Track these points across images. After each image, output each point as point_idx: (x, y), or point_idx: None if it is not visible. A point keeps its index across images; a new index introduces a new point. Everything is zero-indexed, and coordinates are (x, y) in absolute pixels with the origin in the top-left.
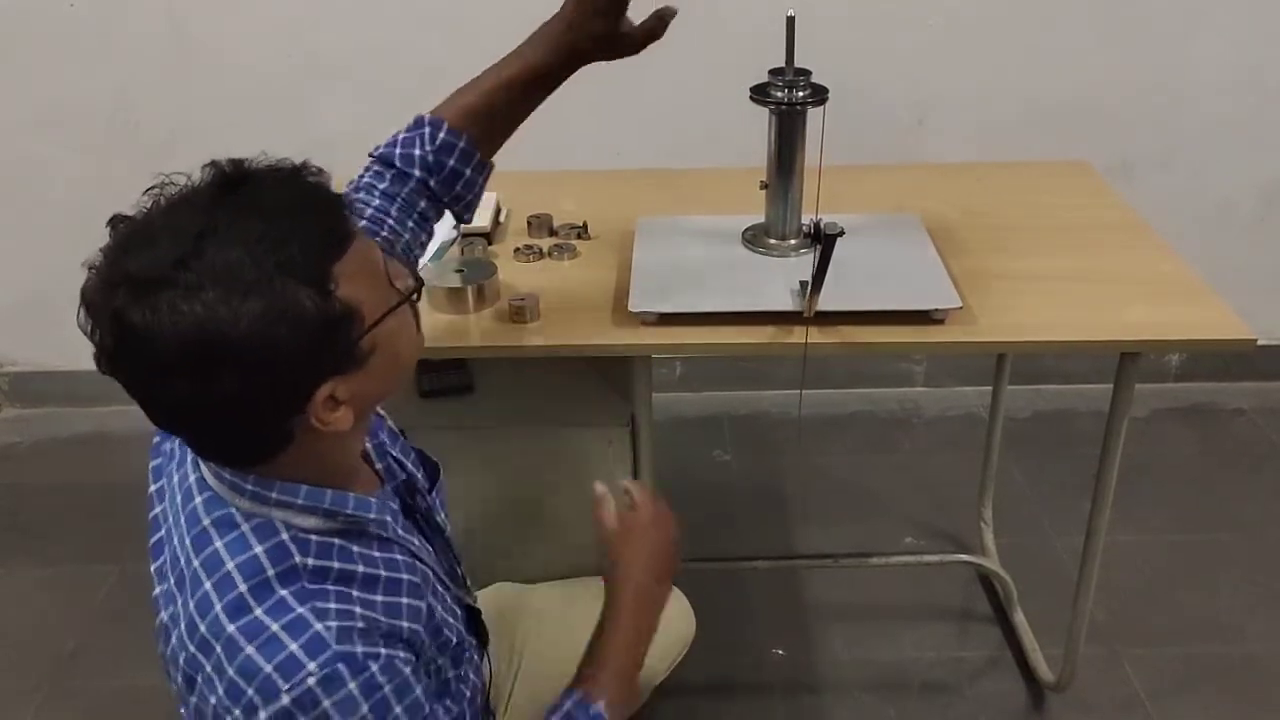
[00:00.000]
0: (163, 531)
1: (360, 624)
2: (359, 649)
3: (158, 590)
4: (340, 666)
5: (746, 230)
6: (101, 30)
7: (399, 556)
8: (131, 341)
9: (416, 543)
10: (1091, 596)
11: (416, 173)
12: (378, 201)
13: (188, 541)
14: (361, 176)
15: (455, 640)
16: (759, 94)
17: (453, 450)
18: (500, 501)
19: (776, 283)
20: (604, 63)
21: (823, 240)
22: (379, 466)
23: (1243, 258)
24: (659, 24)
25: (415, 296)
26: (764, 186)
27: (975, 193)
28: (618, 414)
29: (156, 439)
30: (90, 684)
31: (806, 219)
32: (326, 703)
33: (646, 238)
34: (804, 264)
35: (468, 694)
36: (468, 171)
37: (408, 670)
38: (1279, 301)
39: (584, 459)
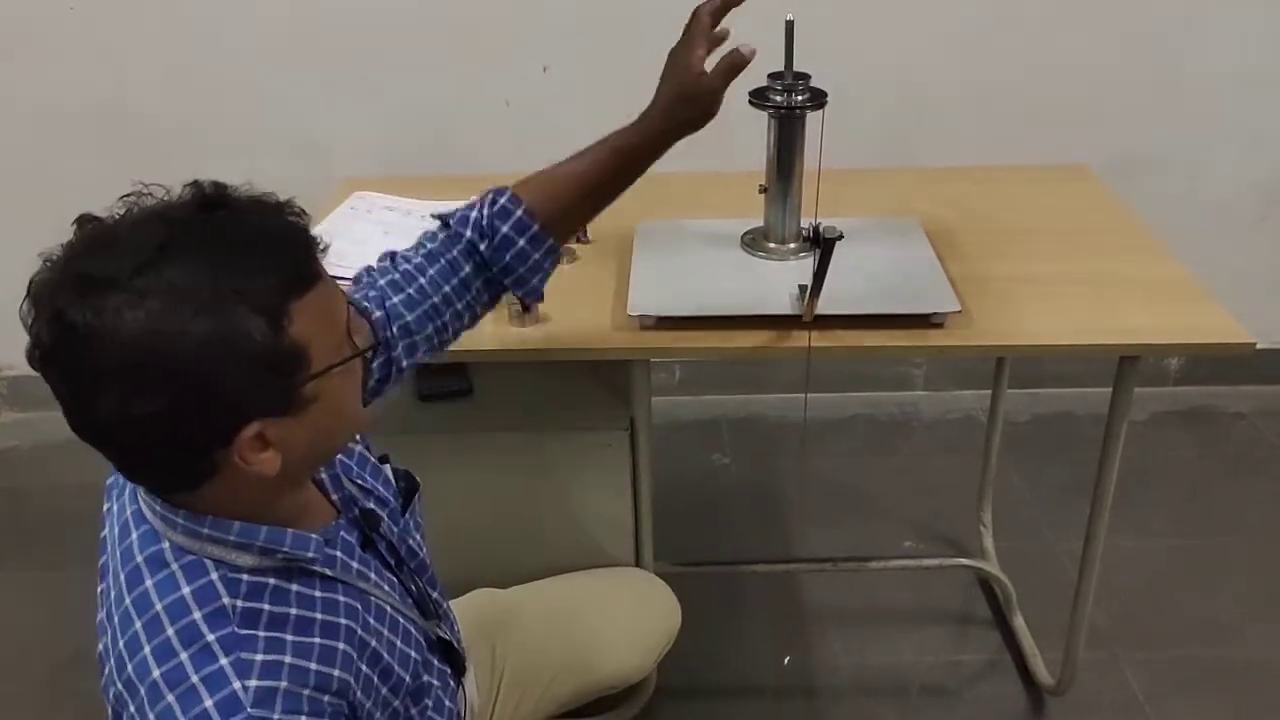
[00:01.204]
0: (106, 556)
1: (285, 683)
2: (276, 714)
3: (100, 615)
4: (240, 696)
5: (746, 234)
6: (101, 31)
7: (341, 598)
8: (69, 341)
9: (372, 578)
10: (1091, 600)
11: (468, 233)
12: (417, 260)
13: (122, 577)
14: (421, 236)
15: (410, 679)
16: (758, 98)
17: (451, 454)
18: (499, 505)
19: (776, 286)
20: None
21: (822, 244)
22: (334, 497)
23: (1241, 261)
24: (732, 71)
25: (370, 356)
26: (763, 190)
27: (974, 196)
28: (617, 417)
29: None
30: (90, 687)
31: (806, 223)
32: None
33: (646, 241)
34: (803, 267)
35: None
36: (521, 241)
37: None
38: (1278, 305)
39: (583, 462)
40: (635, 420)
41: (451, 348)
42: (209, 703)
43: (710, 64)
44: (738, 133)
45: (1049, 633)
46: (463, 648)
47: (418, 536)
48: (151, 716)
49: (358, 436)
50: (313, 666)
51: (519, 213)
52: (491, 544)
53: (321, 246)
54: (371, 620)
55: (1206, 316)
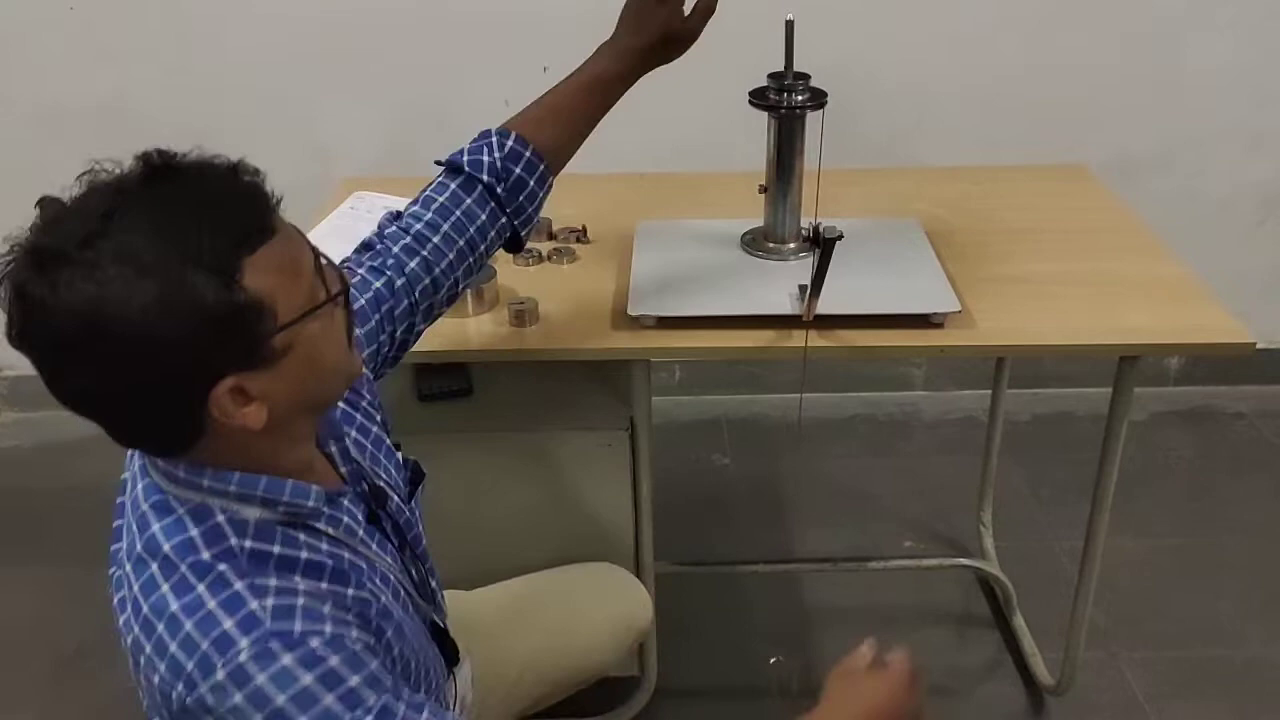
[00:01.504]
0: (122, 519)
1: (302, 601)
2: (297, 626)
3: (113, 571)
4: (273, 644)
5: (746, 234)
6: (101, 32)
7: (346, 555)
8: (32, 316)
9: (375, 548)
10: (1091, 600)
11: (484, 177)
12: (429, 216)
13: (134, 525)
14: (424, 190)
15: (409, 657)
16: (758, 98)
17: (451, 454)
18: (499, 504)
19: (776, 286)
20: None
21: (822, 244)
22: (343, 469)
23: (1241, 261)
24: (708, 13)
25: (341, 300)
26: (763, 190)
27: (974, 196)
28: (617, 418)
29: None
30: (91, 685)
31: (805, 223)
32: (261, 678)
33: (646, 241)
34: (803, 268)
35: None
36: (531, 182)
37: (358, 647)
38: (1278, 305)
39: (583, 462)
40: (635, 420)
41: (451, 348)
42: (228, 624)
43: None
44: (738, 133)
45: (1049, 633)
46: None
47: (420, 526)
48: (173, 647)
49: (378, 418)
50: (326, 585)
51: (528, 154)
52: (491, 544)
53: (274, 200)
54: (378, 583)
55: (1206, 316)
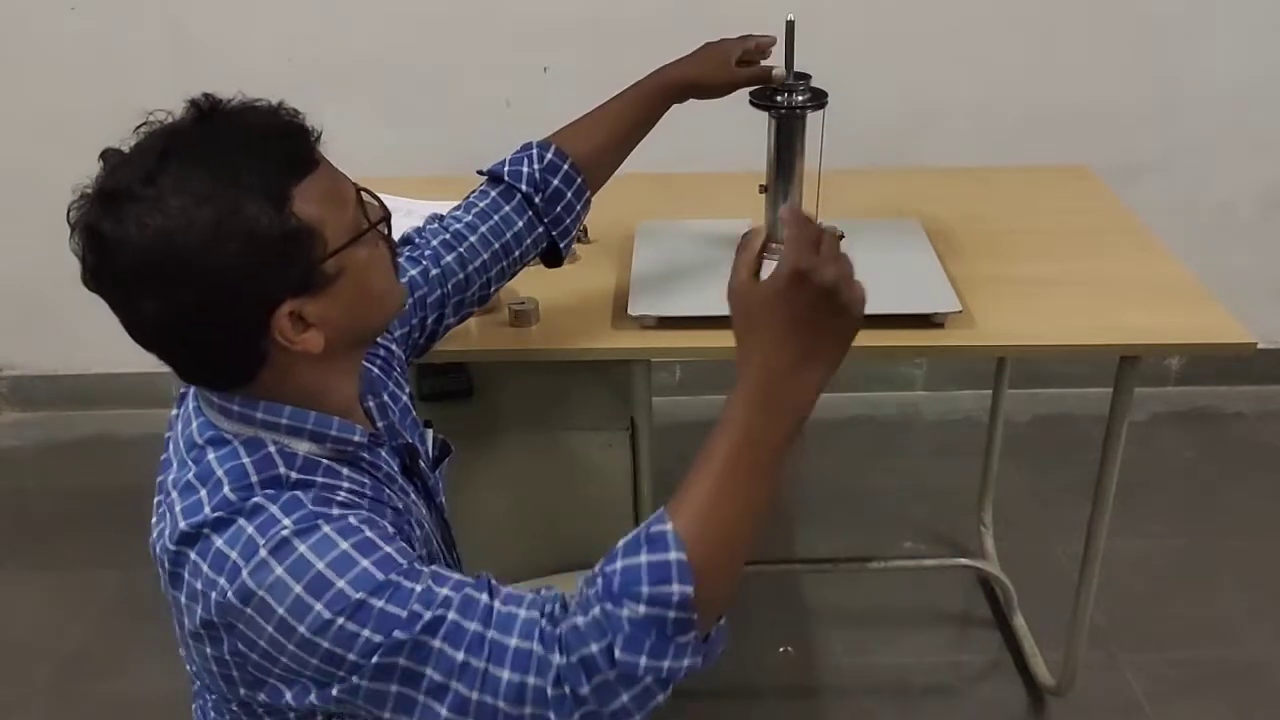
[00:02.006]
0: (168, 452)
1: (341, 496)
2: (335, 510)
3: (157, 499)
4: (316, 520)
5: (746, 234)
6: (102, 37)
7: (386, 490)
8: (102, 253)
9: (412, 496)
10: (1091, 600)
11: (523, 187)
12: (469, 218)
13: (188, 458)
14: (467, 196)
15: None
16: (759, 98)
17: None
18: (499, 504)
19: None
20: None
21: None
22: (380, 424)
23: (1242, 262)
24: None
25: (385, 229)
26: (764, 190)
27: (975, 197)
28: (617, 418)
29: (181, 391)
30: (92, 687)
31: None
32: (302, 547)
33: (646, 242)
34: None
35: None
36: (569, 194)
37: (391, 530)
38: (1278, 305)
39: (583, 463)
40: (636, 420)
41: (452, 348)
42: (273, 508)
43: None
44: (738, 133)
45: (1049, 633)
46: None
47: (443, 496)
48: (219, 542)
49: (407, 389)
50: (365, 502)
51: (566, 166)
52: (492, 543)
53: (315, 135)
54: (413, 525)
55: (1207, 316)
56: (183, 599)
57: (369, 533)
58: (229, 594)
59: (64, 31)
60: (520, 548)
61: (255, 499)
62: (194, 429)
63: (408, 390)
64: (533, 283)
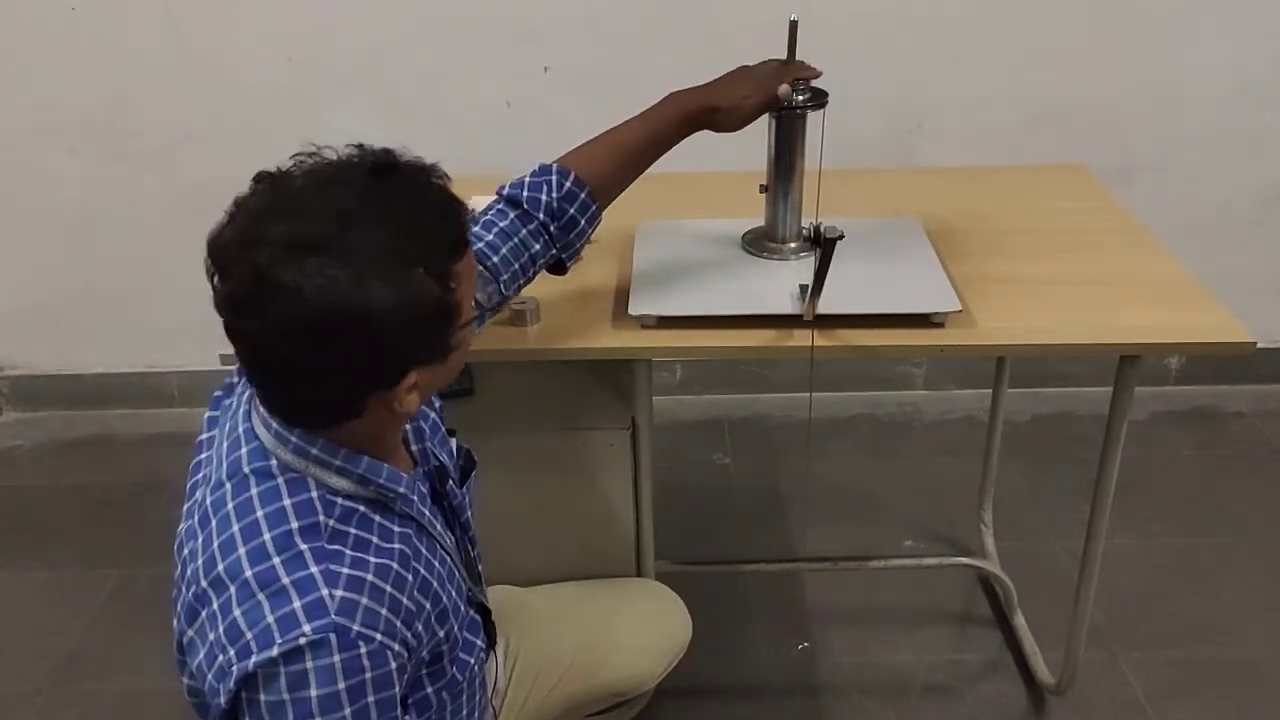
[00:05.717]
0: (200, 475)
1: (366, 600)
2: (356, 627)
3: (182, 527)
4: (332, 636)
5: (746, 234)
6: (101, 36)
7: (413, 533)
8: (273, 295)
9: (439, 527)
10: (1091, 600)
11: (541, 216)
12: (490, 238)
13: (228, 486)
14: (485, 212)
15: (456, 626)
16: None
17: None
18: (500, 504)
19: (777, 286)
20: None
21: (823, 244)
22: (414, 448)
23: (1241, 261)
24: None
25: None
26: (764, 190)
27: (974, 196)
28: (618, 417)
29: (218, 394)
30: (90, 687)
31: (806, 222)
32: (309, 664)
33: (646, 241)
34: (804, 267)
35: (463, 685)
36: (583, 221)
37: (394, 665)
38: (1277, 304)
39: (584, 462)
40: (636, 420)
41: None
42: (297, 604)
43: None
44: (738, 133)
45: (1049, 632)
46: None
47: (471, 511)
48: (237, 613)
49: (436, 404)
50: (388, 589)
51: (583, 195)
52: (492, 543)
53: (470, 214)
54: (436, 563)
55: (1207, 316)
56: (189, 637)
57: (367, 674)
58: (232, 670)
59: (64, 31)
60: (519, 547)
61: (282, 582)
62: (243, 454)
63: (437, 404)
64: (533, 282)
